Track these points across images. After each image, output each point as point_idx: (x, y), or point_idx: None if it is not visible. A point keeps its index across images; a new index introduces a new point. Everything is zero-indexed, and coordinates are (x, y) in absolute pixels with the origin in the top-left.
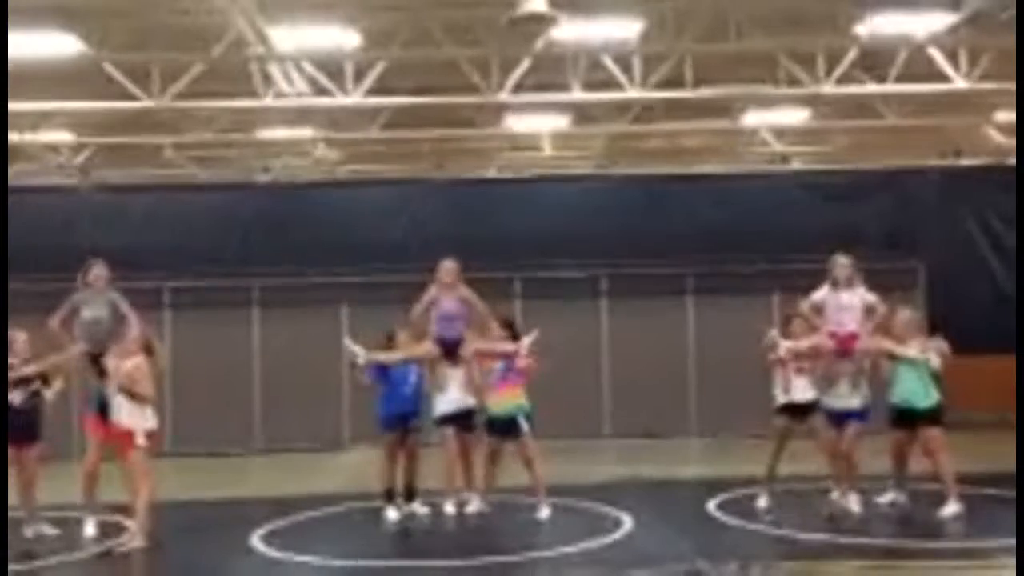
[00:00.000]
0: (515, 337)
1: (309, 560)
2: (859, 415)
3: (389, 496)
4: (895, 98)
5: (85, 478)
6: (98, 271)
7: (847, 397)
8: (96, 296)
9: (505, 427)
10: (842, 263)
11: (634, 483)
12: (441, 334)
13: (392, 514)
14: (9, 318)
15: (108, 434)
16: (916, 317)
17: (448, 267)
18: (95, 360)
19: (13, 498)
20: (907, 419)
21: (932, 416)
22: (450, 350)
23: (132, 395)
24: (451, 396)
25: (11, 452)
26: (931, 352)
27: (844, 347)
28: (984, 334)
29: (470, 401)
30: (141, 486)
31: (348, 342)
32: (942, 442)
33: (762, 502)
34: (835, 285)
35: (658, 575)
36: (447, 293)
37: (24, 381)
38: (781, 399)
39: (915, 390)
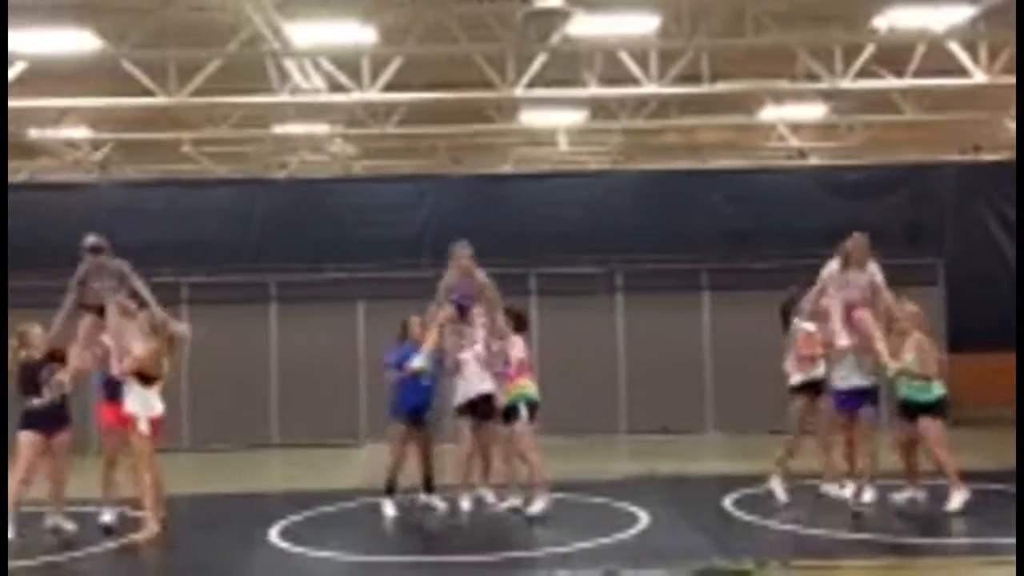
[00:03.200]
0: (520, 328)
1: (326, 555)
2: (868, 395)
3: (390, 489)
4: (913, 93)
5: (104, 470)
6: (92, 240)
7: (852, 369)
8: (100, 268)
9: (505, 414)
10: (859, 240)
11: (650, 479)
12: (458, 304)
13: (389, 509)
14: (26, 313)
15: (118, 419)
16: (920, 313)
17: (467, 251)
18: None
19: (41, 490)
20: (910, 411)
21: (933, 409)
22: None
23: (142, 379)
24: (467, 382)
25: (42, 440)
26: (910, 354)
27: (846, 317)
28: (1003, 330)
29: (486, 386)
30: (142, 472)
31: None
32: (940, 435)
33: (779, 494)
34: (845, 264)
35: (674, 572)
36: (465, 279)
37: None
38: (797, 379)
39: (919, 383)
